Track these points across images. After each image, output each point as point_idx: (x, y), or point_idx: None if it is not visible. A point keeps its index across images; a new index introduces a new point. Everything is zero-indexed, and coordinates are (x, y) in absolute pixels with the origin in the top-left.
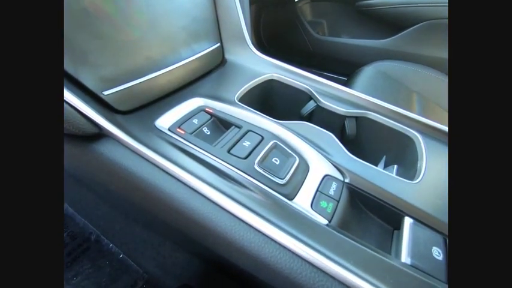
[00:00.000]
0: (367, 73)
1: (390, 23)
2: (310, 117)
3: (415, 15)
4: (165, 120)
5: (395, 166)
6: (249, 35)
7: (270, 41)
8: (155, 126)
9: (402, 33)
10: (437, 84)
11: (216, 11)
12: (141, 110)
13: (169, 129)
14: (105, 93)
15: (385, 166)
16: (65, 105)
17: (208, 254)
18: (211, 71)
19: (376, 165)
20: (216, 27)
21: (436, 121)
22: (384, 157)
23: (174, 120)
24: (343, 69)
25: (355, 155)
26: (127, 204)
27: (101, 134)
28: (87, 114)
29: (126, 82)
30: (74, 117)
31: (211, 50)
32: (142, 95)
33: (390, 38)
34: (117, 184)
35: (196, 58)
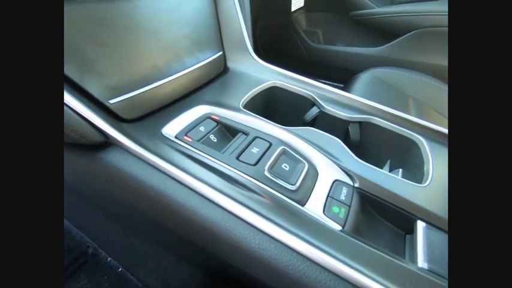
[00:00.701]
0: (363, 80)
1: (383, 32)
2: (313, 123)
3: (407, 24)
4: (172, 128)
5: (400, 170)
6: (250, 44)
7: (266, 49)
8: (162, 134)
9: (395, 41)
10: (432, 89)
11: (218, 20)
12: (147, 118)
13: (176, 137)
14: (111, 101)
15: (390, 170)
16: (72, 113)
17: (218, 264)
18: (214, 79)
19: (381, 169)
20: (218, 35)
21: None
22: (389, 161)
23: (181, 128)
24: (339, 76)
25: (360, 160)
26: (132, 215)
27: (107, 143)
28: (94, 122)
29: (132, 90)
30: (81, 126)
31: (214, 58)
32: (147, 103)
33: (384, 46)
34: (125, 193)
35: (200, 66)
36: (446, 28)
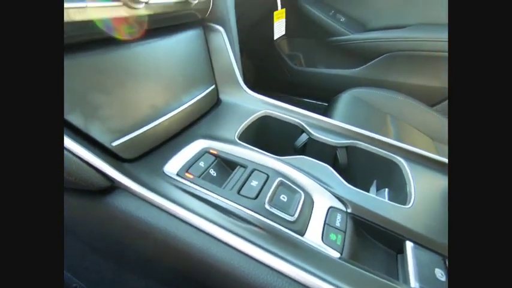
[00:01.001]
0: (344, 100)
1: (358, 55)
2: (303, 149)
3: (378, 48)
4: (173, 166)
5: (387, 189)
6: (240, 76)
7: (251, 72)
8: (164, 172)
9: (369, 63)
10: (404, 105)
11: (209, 55)
12: (147, 156)
13: (177, 175)
14: (114, 144)
15: (377, 189)
16: (78, 160)
17: None
18: (209, 112)
19: (369, 189)
20: (211, 70)
21: (413, 144)
22: (375, 181)
23: (181, 165)
24: (321, 95)
25: (349, 182)
26: (131, 253)
27: (113, 187)
28: (99, 167)
29: (133, 131)
30: (87, 172)
31: (208, 92)
32: (147, 142)
33: (359, 68)
34: (131, 236)
35: (195, 101)
36: (413, 52)
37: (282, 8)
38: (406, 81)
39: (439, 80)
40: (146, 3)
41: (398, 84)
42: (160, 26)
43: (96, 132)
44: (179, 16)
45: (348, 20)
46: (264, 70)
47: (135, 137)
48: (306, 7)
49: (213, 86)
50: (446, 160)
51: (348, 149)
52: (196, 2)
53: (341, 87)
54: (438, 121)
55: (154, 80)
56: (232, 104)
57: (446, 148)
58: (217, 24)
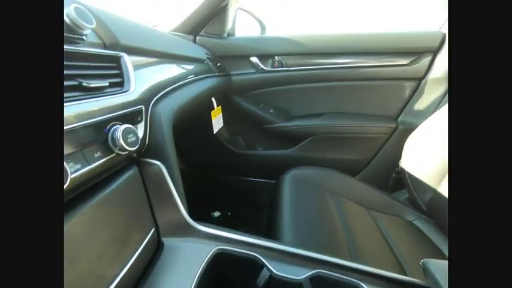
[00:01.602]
0: (287, 181)
1: (290, 138)
2: (268, 286)
3: (305, 133)
4: None
5: None
6: (185, 210)
7: (194, 159)
8: None
9: (300, 144)
10: (338, 181)
11: (148, 195)
12: None
13: None
14: None
15: None
16: None
17: None
18: (150, 265)
19: None
20: (149, 210)
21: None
22: None
23: None
24: (264, 174)
25: None
26: None
27: None
28: None
29: None
30: None
31: (148, 239)
32: None
33: (293, 149)
34: None
35: (138, 254)
36: (331, 134)
37: (217, 106)
38: (331, 156)
39: (355, 153)
40: None
41: (325, 160)
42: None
43: None
44: (111, 167)
45: (276, 111)
46: (207, 155)
47: None
48: (240, 103)
49: (153, 230)
50: (406, 278)
51: (312, 279)
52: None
53: (280, 165)
54: (364, 190)
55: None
56: (178, 247)
57: (378, 214)
58: (153, 158)
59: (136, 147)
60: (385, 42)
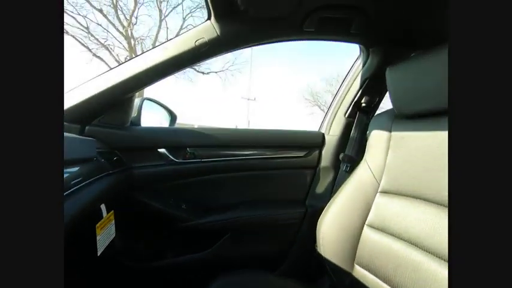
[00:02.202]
0: None
1: (208, 235)
2: None
3: (222, 227)
4: None
5: None
6: None
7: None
8: None
9: (218, 243)
10: (272, 284)
11: None
12: None
13: None
14: None
15: None
16: None
17: None
18: None
19: None
20: None
21: None
22: None
23: None
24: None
25: None
26: None
27: None
28: None
29: None
30: None
31: None
32: None
33: (212, 248)
34: None
35: None
36: (248, 228)
37: (109, 212)
38: (251, 253)
39: (276, 242)
40: None
41: (247, 256)
42: None
43: None
44: None
45: (189, 205)
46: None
47: None
48: (143, 200)
49: None
50: None
51: None
52: None
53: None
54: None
55: None
56: None
57: None
58: None
59: None
60: (285, 138)
